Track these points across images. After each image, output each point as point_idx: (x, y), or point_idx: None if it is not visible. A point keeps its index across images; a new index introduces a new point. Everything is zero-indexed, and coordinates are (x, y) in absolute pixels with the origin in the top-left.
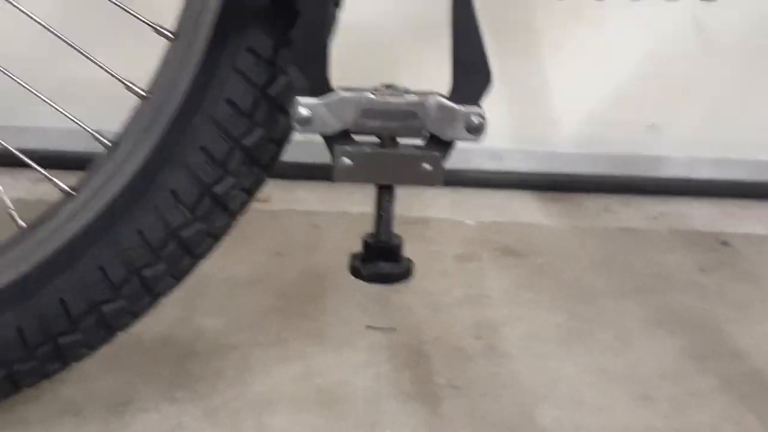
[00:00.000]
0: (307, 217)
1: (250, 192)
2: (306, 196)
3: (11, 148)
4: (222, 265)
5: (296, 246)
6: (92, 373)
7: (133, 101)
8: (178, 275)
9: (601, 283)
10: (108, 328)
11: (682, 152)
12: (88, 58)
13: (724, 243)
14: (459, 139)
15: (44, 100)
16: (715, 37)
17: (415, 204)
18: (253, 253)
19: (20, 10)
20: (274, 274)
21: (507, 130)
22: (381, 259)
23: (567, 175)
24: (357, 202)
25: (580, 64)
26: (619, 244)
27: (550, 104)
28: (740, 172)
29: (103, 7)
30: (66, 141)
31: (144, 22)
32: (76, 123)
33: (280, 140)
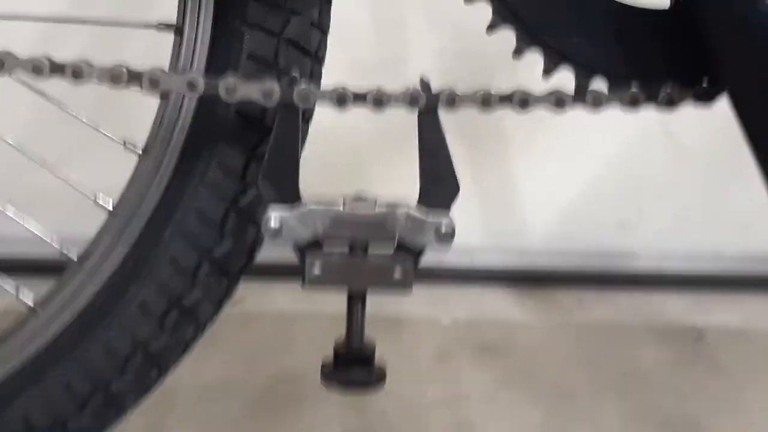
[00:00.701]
0: (280, 319)
1: (219, 302)
2: (280, 296)
3: None
4: (192, 369)
5: (269, 349)
6: None
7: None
8: (144, 389)
9: (579, 380)
10: None
11: (652, 247)
12: (53, 174)
13: (698, 337)
14: (428, 248)
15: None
16: (682, 139)
17: (388, 302)
18: (225, 356)
19: None
20: (247, 379)
21: (479, 227)
22: (353, 366)
23: (539, 270)
24: (331, 302)
25: (550, 165)
26: (595, 340)
27: (521, 203)
28: (710, 265)
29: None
30: (27, 248)
31: (113, 139)
32: (40, 236)
33: (250, 251)
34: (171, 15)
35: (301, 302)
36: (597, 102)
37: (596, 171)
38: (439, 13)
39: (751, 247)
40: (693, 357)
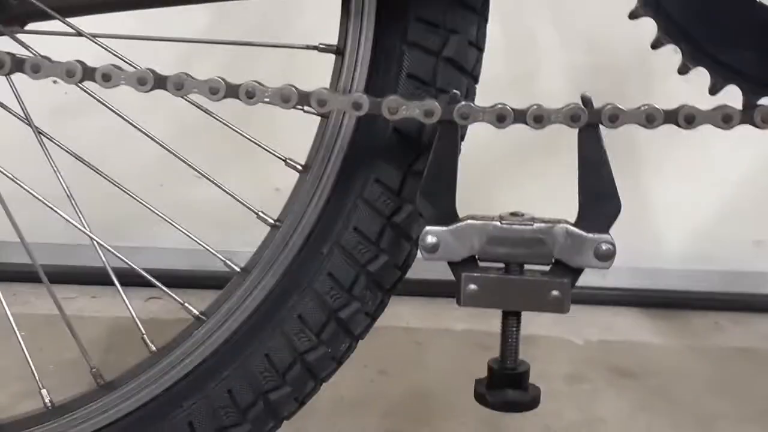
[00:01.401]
0: (409, 334)
1: (373, 316)
2: (406, 312)
3: (138, 268)
4: (327, 383)
5: (400, 364)
6: None
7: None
8: (301, 398)
9: (720, 406)
10: None
11: None
12: (220, 188)
13: None
14: (588, 267)
15: (174, 225)
16: None
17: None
18: (358, 370)
19: (173, 152)
20: (380, 393)
21: None
22: (508, 386)
23: (674, 292)
24: (459, 319)
25: (683, 182)
26: (735, 364)
27: (654, 221)
28: None
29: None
30: (176, 260)
31: (276, 156)
32: (206, 248)
33: (404, 266)
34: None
35: (427, 319)
36: (766, 119)
37: (731, 187)
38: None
39: None
40: None
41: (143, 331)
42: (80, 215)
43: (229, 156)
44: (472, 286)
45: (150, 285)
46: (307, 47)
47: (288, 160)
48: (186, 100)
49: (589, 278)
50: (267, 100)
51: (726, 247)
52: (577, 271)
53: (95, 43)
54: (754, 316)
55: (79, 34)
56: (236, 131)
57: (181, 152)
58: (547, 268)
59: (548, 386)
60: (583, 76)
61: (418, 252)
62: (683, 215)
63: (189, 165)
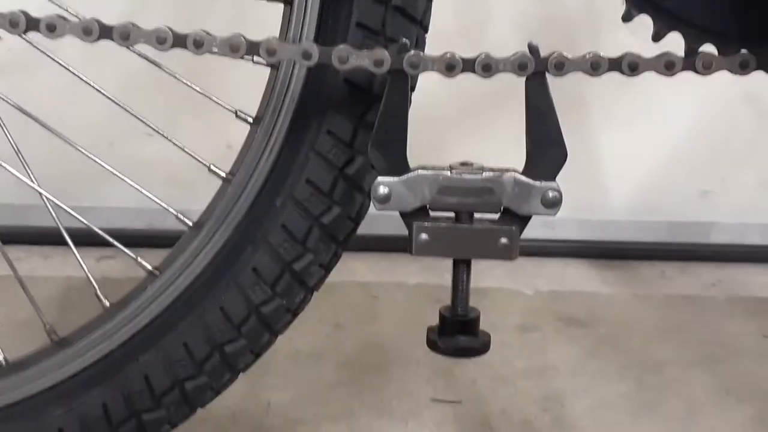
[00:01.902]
0: (364, 289)
1: (327, 268)
2: (360, 267)
3: (94, 227)
4: (284, 338)
5: (356, 317)
6: None
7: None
8: (257, 351)
9: (666, 352)
10: (189, 405)
11: (734, 219)
12: (170, 141)
13: None
14: (535, 214)
15: (126, 181)
16: (765, 104)
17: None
18: (314, 325)
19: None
20: (337, 346)
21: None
22: (459, 332)
23: (621, 243)
24: (413, 273)
25: (632, 133)
26: (680, 311)
27: (602, 173)
28: None
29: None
30: (128, 219)
31: (226, 108)
32: (157, 203)
33: (357, 218)
34: None
35: (382, 273)
36: (707, 66)
37: (677, 139)
38: None
39: None
40: None
41: (96, 288)
42: (30, 174)
43: (179, 111)
44: (424, 236)
45: (102, 244)
46: None
47: (238, 112)
48: (133, 51)
49: (538, 231)
50: (215, 50)
51: (673, 197)
52: (525, 219)
53: None
54: (700, 265)
55: None
56: (185, 83)
57: (131, 108)
58: (496, 216)
59: (500, 336)
60: (533, 27)
61: (371, 203)
62: (631, 167)
63: (140, 119)
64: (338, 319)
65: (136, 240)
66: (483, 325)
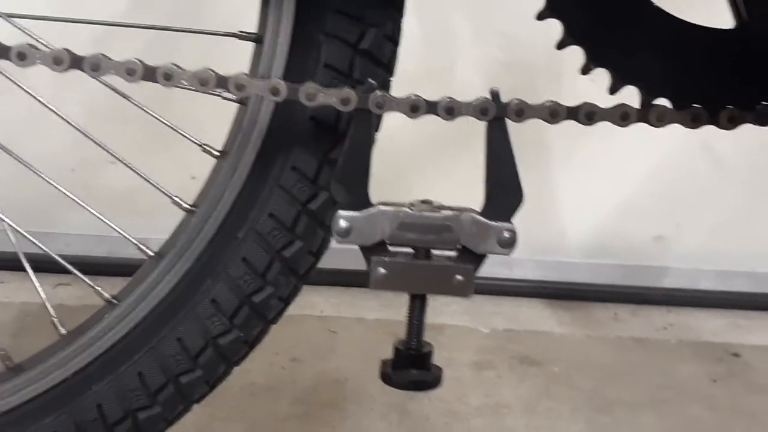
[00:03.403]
0: (322, 323)
1: (286, 301)
2: (320, 301)
3: (53, 254)
4: (239, 369)
5: (312, 351)
6: None
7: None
8: (213, 382)
9: (617, 393)
10: None
11: (687, 264)
12: (135, 172)
13: (734, 355)
14: (491, 253)
15: (86, 208)
16: (721, 155)
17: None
18: (270, 358)
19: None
20: (292, 380)
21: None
22: (412, 366)
23: (576, 284)
24: (372, 309)
25: (589, 178)
26: (631, 353)
27: (559, 216)
28: (745, 284)
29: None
30: (91, 247)
31: (192, 141)
32: (118, 232)
33: (318, 252)
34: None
35: (341, 308)
36: (660, 119)
37: (635, 184)
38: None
39: None
40: (729, 374)
41: (53, 315)
42: None
43: (145, 143)
44: (382, 270)
45: (59, 271)
46: (227, 34)
47: (204, 146)
48: (102, 83)
49: (495, 269)
50: (184, 83)
51: (627, 241)
52: (481, 257)
53: (9, 22)
54: (652, 309)
55: None
56: (152, 115)
57: (96, 137)
58: (453, 253)
59: (455, 373)
60: (497, 71)
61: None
62: (587, 210)
63: (103, 148)
64: (295, 353)
65: (95, 267)
66: (438, 361)
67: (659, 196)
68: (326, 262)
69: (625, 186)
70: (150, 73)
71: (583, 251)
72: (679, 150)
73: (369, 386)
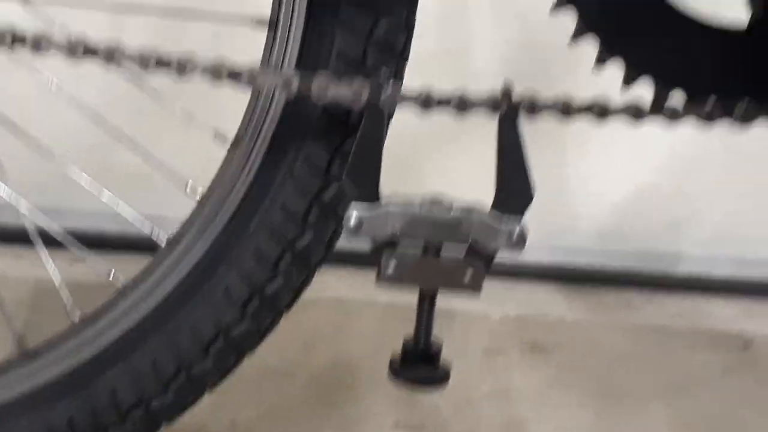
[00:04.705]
0: (335, 305)
1: (297, 291)
2: (334, 282)
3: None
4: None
5: (325, 335)
6: None
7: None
8: (223, 372)
9: (628, 381)
10: (154, 422)
11: (702, 250)
12: (148, 156)
13: (746, 344)
14: (501, 250)
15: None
16: (737, 141)
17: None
18: (283, 341)
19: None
20: (305, 363)
21: (530, 222)
22: (420, 363)
23: (590, 269)
24: (384, 291)
25: (604, 161)
26: (644, 341)
27: (573, 198)
28: (760, 271)
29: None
30: (102, 223)
31: (206, 128)
32: (136, 217)
33: (329, 243)
34: None
35: (354, 289)
36: (674, 116)
37: (650, 168)
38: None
39: None
40: (741, 365)
41: (66, 302)
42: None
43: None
44: (391, 266)
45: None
46: (239, 21)
47: (217, 135)
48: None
49: (508, 252)
50: (198, 75)
51: (642, 226)
52: (492, 254)
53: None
54: (665, 295)
55: None
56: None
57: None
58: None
59: (466, 360)
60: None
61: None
62: (602, 194)
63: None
64: (308, 336)
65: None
66: (450, 347)
67: (675, 180)
68: (339, 243)
69: (641, 170)
70: (164, 64)
71: (597, 236)
72: (694, 135)
73: (381, 370)
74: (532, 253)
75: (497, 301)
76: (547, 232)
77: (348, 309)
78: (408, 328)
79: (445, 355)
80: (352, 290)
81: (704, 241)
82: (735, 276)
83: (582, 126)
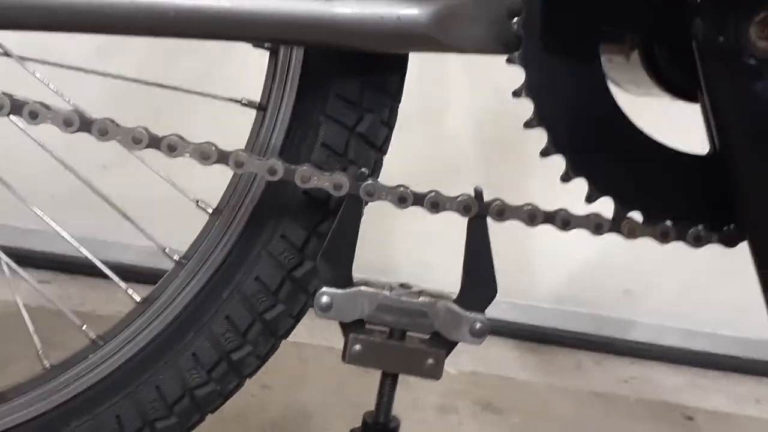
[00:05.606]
0: (295, 349)
1: (263, 359)
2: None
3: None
4: None
5: (283, 380)
6: None
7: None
8: (186, 428)
9: None
10: None
11: (653, 319)
12: (131, 222)
13: (689, 418)
14: (462, 341)
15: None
16: None
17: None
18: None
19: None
20: (262, 408)
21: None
22: None
23: (544, 329)
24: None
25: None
26: (591, 408)
27: (533, 260)
28: (706, 344)
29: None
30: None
31: (188, 197)
32: (115, 281)
33: (298, 316)
34: None
35: (315, 333)
36: (631, 232)
37: (606, 238)
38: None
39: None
40: None
41: (38, 348)
42: None
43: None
44: (357, 347)
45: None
46: (232, 100)
47: (199, 202)
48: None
49: None
50: (187, 154)
51: (597, 292)
52: (453, 344)
53: (23, 66)
54: (615, 359)
55: (6, 54)
56: (153, 170)
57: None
58: (426, 336)
59: (420, 416)
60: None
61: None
62: (561, 258)
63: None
64: (266, 379)
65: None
66: (404, 402)
67: (631, 253)
68: None
69: (599, 241)
70: (155, 142)
71: (554, 297)
72: None
73: (336, 423)
74: (490, 309)
75: (454, 355)
76: (506, 289)
77: (307, 354)
78: (366, 379)
79: (399, 411)
80: (312, 334)
81: (655, 310)
82: (682, 346)
83: (546, 192)
